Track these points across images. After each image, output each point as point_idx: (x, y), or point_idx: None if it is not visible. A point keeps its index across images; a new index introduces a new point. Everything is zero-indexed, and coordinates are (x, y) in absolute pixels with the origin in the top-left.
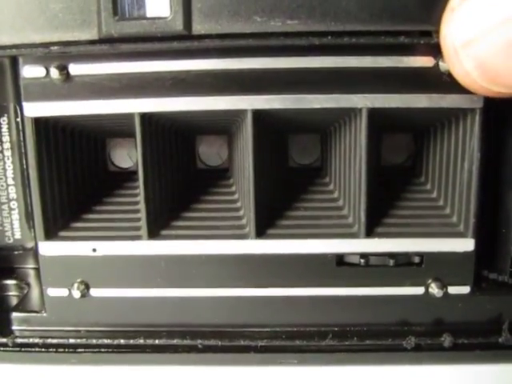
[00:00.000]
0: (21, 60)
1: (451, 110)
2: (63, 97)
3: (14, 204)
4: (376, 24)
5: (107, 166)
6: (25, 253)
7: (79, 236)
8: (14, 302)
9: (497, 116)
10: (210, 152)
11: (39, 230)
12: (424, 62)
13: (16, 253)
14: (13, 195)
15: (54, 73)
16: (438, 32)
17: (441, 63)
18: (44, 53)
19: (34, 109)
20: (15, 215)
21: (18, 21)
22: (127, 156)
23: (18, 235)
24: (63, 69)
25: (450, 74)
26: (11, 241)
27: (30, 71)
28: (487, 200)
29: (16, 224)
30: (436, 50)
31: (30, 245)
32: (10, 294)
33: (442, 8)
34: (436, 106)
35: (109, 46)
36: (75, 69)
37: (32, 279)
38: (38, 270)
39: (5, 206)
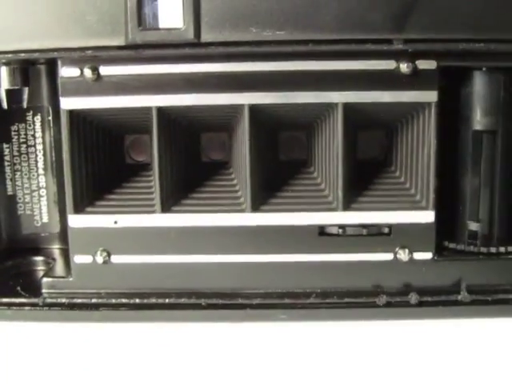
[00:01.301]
0: (59, 62)
1: (411, 104)
2: (94, 93)
3: (43, 192)
4: (348, 34)
5: (125, 158)
6: (50, 235)
7: (102, 211)
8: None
9: (451, 109)
10: (212, 147)
11: (69, 205)
12: (387, 65)
13: (43, 235)
14: (42, 184)
15: (88, 73)
16: (398, 40)
17: (401, 65)
18: (80, 56)
19: (69, 103)
20: (44, 202)
21: (58, 29)
22: (142, 151)
23: (45, 219)
24: (95, 70)
25: (408, 75)
26: (39, 224)
27: (67, 71)
28: (447, 181)
29: (44, 209)
30: (397, 55)
31: (55, 228)
32: (38, 268)
33: (402, 20)
34: (398, 101)
35: (133, 51)
36: (105, 70)
37: (57, 256)
38: (62, 249)
39: (35, 194)
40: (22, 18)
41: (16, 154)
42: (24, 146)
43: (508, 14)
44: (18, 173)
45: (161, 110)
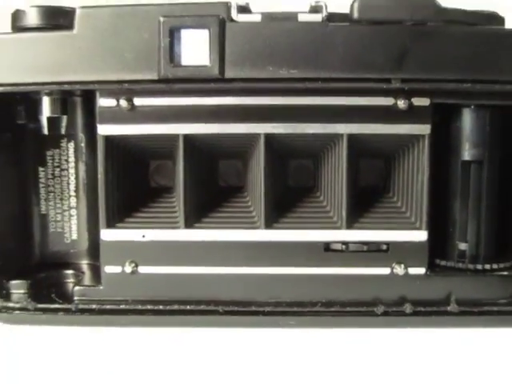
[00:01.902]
0: (97, 93)
1: (407, 136)
2: (128, 121)
3: (73, 211)
4: (353, 73)
5: (149, 182)
6: (79, 251)
7: (131, 226)
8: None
9: (443, 141)
10: (229, 173)
11: (102, 220)
12: (386, 101)
13: (72, 251)
14: (73, 204)
15: (123, 103)
16: (395, 79)
17: (398, 102)
18: (117, 88)
19: (105, 129)
20: (74, 220)
21: (99, 64)
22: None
23: (74, 237)
24: (130, 100)
25: (404, 110)
26: (69, 241)
27: (105, 102)
28: (439, 205)
29: (74, 227)
30: (395, 93)
31: (83, 245)
32: (68, 280)
33: (399, 62)
34: (395, 133)
35: (165, 85)
36: (139, 101)
37: (85, 270)
38: (89, 264)
39: (66, 213)
40: (67, 53)
41: (50, 176)
42: (58, 169)
43: (492, 60)
44: (51, 194)
45: (187, 137)
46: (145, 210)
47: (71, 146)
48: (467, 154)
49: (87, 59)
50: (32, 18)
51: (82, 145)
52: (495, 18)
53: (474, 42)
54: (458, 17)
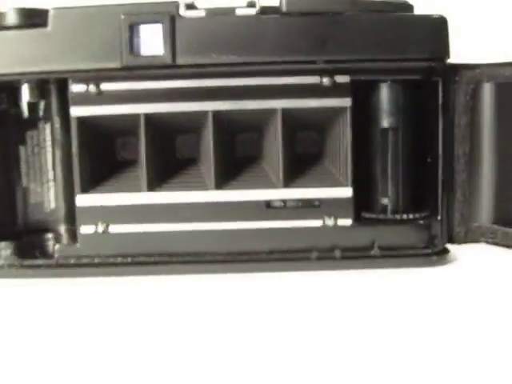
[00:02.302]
0: (70, 81)
1: (332, 108)
2: (96, 103)
3: (51, 184)
4: (284, 57)
5: (116, 156)
6: (57, 218)
7: (102, 191)
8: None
9: (365, 112)
10: (185, 147)
11: (77, 188)
12: (313, 79)
13: (50, 219)
14: (50, 177)
15: (92, 88)
16: (319, 61)
17: (323, 79)
18: (86, 76)
19: (77, 111)
20: (51, 192)
21: (70, 55)
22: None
23: (52, 206)
24: (97, 86)
25: (328, 87)
26: (48, 210)
27: (76, 87)
28: (365, 168)
29: (52, 198)
30: (320, 72)
31: (60, 213)
32: (49, 243)
33: (322, 46)
34: (322, 106)
35: (126, 72)
36: (105, 86)
37: (63, 234)
38: (66, 229)
39: (44, 186)
40: (43, 47)
41: (30, 154)
42: (36, 148)
43: (399, 41)
44: (31, 169)
45: (147, 116)
46: (113, 178)
47: (47, 127)
48: (385, 122)
49: (60, 52)
50: (11, 18)
51: (57, 126)
52: (404, 7)
53: (383, 27)
54: (369, 6)
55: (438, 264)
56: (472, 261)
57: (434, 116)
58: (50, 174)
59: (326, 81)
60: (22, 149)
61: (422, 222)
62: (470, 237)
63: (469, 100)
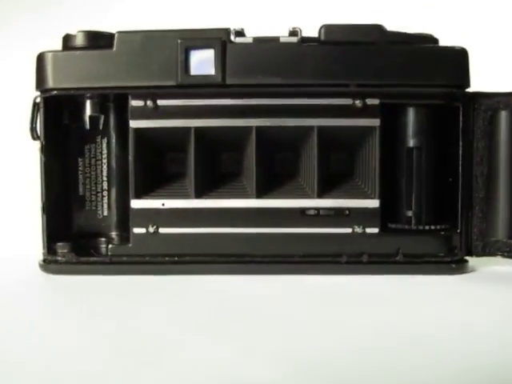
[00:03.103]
0: (130, 96)
1: (362, 127)
2: (153, 117)
3: (105, 193)
4: (320, 80)
5: (166, 168)
6: (109, 225)
7: (154, 197)
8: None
9: (393, 133)
10: (228, 161)
11: (131, 193)
12: (346, 101)
13: (103, 224)
14: (105, 187)
15: (149, 103)
16: (353, 85)
17: (355, 102)
18: (145, 92)
19: (135, 123)
20: (105, 200)
21: (132, 74)
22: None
23: (105, 213)
24: (154, 101)
25: (360, 108)
26: (101, 217)
27: (135, 102)
28: (392, 183)
29: (105, 206)
30: (352, 95)
31: (112, 220)
32: (102, 245)
33: (355, 71)
34: (353, 125)
35: (181, 89)
36: (161, 102)
37: (114, 238)
38: (117, 234)
39: (99, 195)
40: (107, 66)
41: (87, 165)
42: (93, 160)
43: (424, 69)
44: (88, 179)
45: (197, 130)
46: (163, 186)
47: (104, 141)
48: (410, 142)
49: (123, 71)
50: (79, 40)
51: (113, 140)
52: (430, 39)
53: (411, 57)
54: (398, 38)
55: (457, 272)
56: (489, 271)
57: (455, 139)
58: (105, 185)
59: (357, 103)
60: (80, 160)
61: (442, 233)
62: (487, 250)
63: (487, 125)
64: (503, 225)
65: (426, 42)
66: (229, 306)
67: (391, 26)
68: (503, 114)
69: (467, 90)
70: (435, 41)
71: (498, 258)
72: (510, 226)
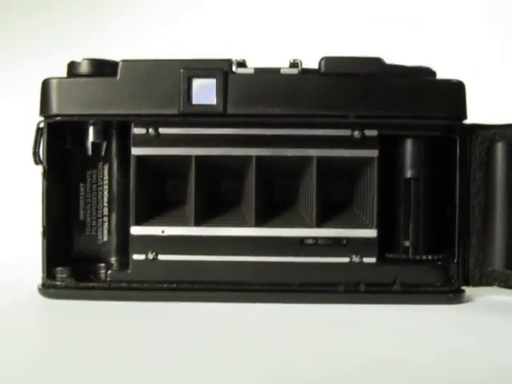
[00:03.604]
0: (132, 124)
1: (361, 158)
2: (154, 145)
3: (105, 219)
4: (320, 111)
5: (166, 195)
6: (108, 250)
7: (154, 224)
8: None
9: (390, 162)
10: (228, 190)
11: (132, 219)
12: (345, 132)
13: (103, 250)
14: (105, 213)
15: (151, 131)
16: (351, 116)
17: (354, 133)
18: (147, 120)
19: (137, 151)
20: (105, 226)
21: (135, 102)
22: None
23: (105, 239)
24: (156, 129)
25: (358, 139)
26: (101, 242)
27: (137, 130)
28: (389, 213)
29: (105, 231)
30: (351, 126)
31: (112, 245)
32: (101, 271)
33: (354, 103)
34: (352, 156)
35: (183, 118)
36: (163, 130)
37: (114, 263)
38: (116, 260)
39: (99, 220)
40: (111, 94)
41: (88, 191)
42: (95, 185)
43: (422, 101)
44: (89, 204)
45: (198, 158)
46: (163, 214)
47: (106, 167)
48: (408, 173)
49: (126, 98)
50: (84, 68)
51: (115, 166)
52: (428, 72)
53: (409, 89)
54: (396, 70)
55: (454, 302)
56: (486, 301)
57: (452, 170)
58: (105, 210)
59: (356, 134)
60: (81, 186)
61: (440, 263)
62: (484, 280)
63: (483, 157)
64: (500, 255)
65: (423, 74)
66: (226, 334)
67: (389, 58)
68: (499, 146)
69: (464, 121)
70: (433, 73)
71: (495, 288)
72: (506, 256)
